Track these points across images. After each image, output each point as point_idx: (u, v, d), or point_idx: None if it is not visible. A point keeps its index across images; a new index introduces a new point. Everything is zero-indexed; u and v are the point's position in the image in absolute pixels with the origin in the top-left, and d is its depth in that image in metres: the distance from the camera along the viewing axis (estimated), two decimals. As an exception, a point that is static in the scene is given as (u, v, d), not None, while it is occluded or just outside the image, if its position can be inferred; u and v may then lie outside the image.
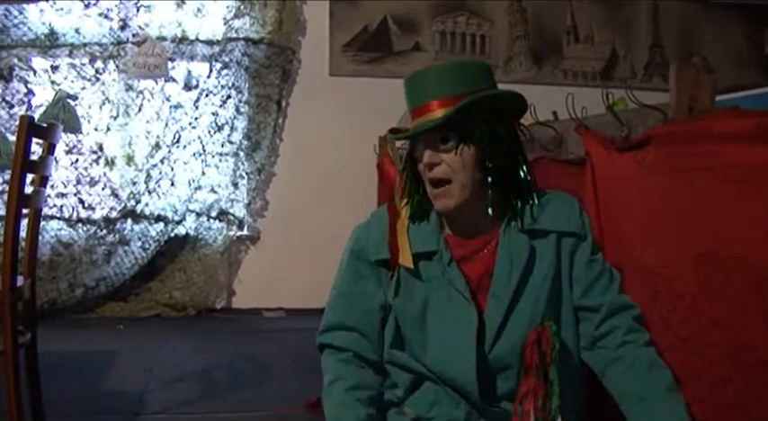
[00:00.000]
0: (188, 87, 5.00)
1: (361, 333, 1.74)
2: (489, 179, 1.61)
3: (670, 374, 1.60)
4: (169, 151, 4.90)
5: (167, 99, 4.98)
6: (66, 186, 4.92)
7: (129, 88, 4.95)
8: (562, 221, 1.67)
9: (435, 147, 1.61)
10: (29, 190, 2.38)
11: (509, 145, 1.63)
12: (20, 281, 2.36)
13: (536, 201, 1.66)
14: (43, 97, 4.76)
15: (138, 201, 4.87)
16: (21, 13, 4.73)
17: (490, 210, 1.62)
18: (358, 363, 1.73)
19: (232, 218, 5.11)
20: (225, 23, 4.98)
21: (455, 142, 1.59)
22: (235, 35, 4.97)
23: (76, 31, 4.83)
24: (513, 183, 1.65)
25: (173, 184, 4.95)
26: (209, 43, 4.97)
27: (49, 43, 4.79)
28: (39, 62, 4.83)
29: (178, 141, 4.92)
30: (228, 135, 5.03)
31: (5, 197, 2.39)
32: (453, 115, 1.56)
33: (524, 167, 1.67)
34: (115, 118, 4.95)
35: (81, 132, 4.70)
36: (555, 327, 1.53)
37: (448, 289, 1.64)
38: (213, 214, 5.07)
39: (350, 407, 1.65)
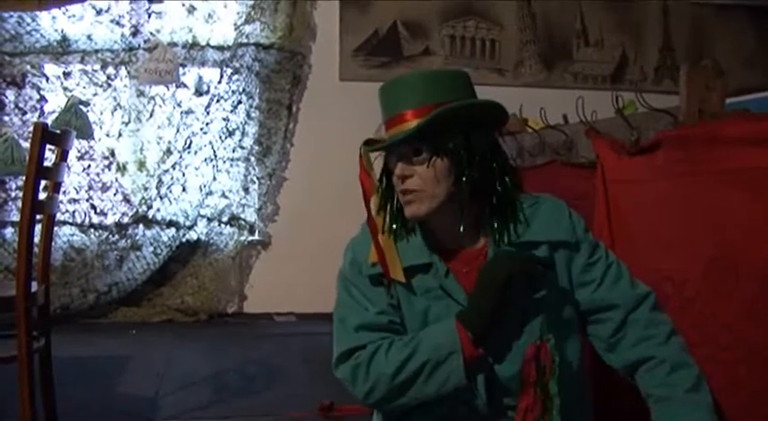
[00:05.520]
0: (199, 93, 5.01)
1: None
2: (463, 192, 1.55)
3: (694, 371, 1.54)
4: (180, 157, 4.92)
5: (178, 104, 4.99)
6: (78, 192, 4.94)
7: (141, 94, 4.96)
8: (551, 230, 1.61)
9: (408, 159, 1.55)
10: (42, 196, 2.40)
11: (487, 156, 1.56)
12: (34, 286, 2.37)
13: (522, 214, 1.59)
14: (55, 103, 4.78)
15: (149, 207, 4.88)
16: (33, 20, 4.75)
17: (462, 228, 1.57)
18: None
19: (243, 223, 5.11)
20: (235, 29, 4.99)
21: (428, 154, 1.53)
22: (245, 40, 4.97)
23: (88, 37, 4.86)
24: (493, 197, 1.58)
25: (184, 190, 4.96)
26: (220, 49, 4.98)
27: (62, 50, 4.81)
28: (51, 69, 4.85)
29: (189, 147, 4.93)
30: (239, 140, 5.04)
31: (19, 203, 2.41)
32: (425, 126, 1.50)
33: (507, 179, 1.59)
34: (127, 124, 4.96)
35: (93, 138, 4.71)
36: (553, 340, 1.51)
37: (447, 300, 1.59)
38: (224, 219, 5.08)
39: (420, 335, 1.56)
